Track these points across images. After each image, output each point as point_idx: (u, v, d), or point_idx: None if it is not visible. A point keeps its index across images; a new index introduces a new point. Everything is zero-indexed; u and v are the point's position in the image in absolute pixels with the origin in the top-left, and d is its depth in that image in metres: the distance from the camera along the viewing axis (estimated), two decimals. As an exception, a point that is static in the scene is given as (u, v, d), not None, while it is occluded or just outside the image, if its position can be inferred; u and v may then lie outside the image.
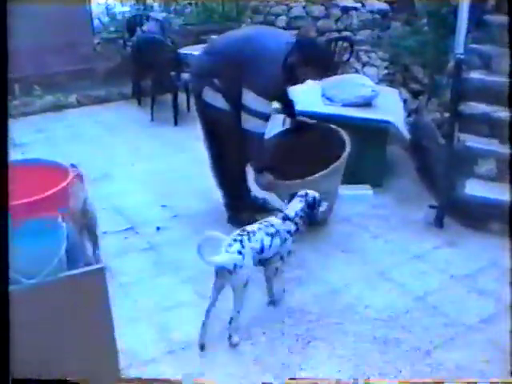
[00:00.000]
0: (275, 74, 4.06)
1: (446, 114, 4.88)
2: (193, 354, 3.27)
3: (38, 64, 7.83)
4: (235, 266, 3.18)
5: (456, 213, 4.71)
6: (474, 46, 5.79)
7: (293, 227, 3.57)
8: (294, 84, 4.44)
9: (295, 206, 3.63)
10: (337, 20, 8.55)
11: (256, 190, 4.74)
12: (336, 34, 8.14)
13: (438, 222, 4.67)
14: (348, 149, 4.34)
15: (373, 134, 4.99)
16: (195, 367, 3.16)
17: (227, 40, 4.48)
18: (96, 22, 9.54)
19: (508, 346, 3.31)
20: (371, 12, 8.43)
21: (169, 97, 7.56)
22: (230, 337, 3.34)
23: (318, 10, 8.65)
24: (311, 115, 4.80)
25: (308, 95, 5.43)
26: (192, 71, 4.79)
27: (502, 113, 5.20)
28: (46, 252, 2.29)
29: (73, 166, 3.29)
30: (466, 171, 4.90)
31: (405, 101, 6.39)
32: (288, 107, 4.75)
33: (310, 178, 4.14)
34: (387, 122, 5.10)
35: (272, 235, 3.45)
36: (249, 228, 3.42)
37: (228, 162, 4.55)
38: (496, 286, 3.94)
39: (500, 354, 3.29)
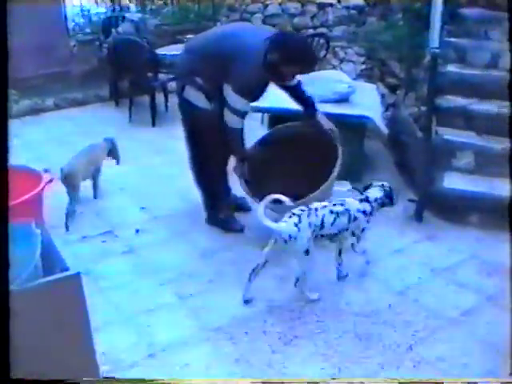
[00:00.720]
0: (255, 71, 4.00)
1: (424, 108, 4.90)
2: (174, 357, 3.24)
3: (13, 68, 7.68)
4: (290, 236, 3.49)
5: (435, 206, 4.73)
6: (450, 39, 5.83)
7: (368, 208, 3.85)
8: (280, 81, 4.35)
9: (376, 193, 3.93)
10: (313, 17, 8.57)
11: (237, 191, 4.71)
12: (312, 31, 8.17)
13: (418, 216, 4.69)
14: (340, 160, 4.21)
15: (351, 130, 4.97)
16: (177, 370, 3.13)
17: (207, 38, 4.42)
18: (71, 24, 9.46)
19: (490, 338, 3.35)
20: (347, 8, 8.44)
21: (146, 98, 7.52)
22: (302, 292, 3.69)
23: (293, 7, 8.66)
24: (288, 112, 4.77)
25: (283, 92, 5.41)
26: (174, 70, 4.80)
27: (478, 105, 5.24)
28: (20, 259, 2.25)
29: (46, 170, 3.26)
30: (444, 164, 4.92)
31: (382, 95, 6.41)
32: (305, 106, 4.46)
33: (300, 201, 3.97)
34: (365, 117, 5.11)
35: (337, 213, 3.71)
36: (313, 205, 3.70)
37: (208, 161, 4.50)
38: (476, 279, 3.97)
39: (481, 346, 3.33)
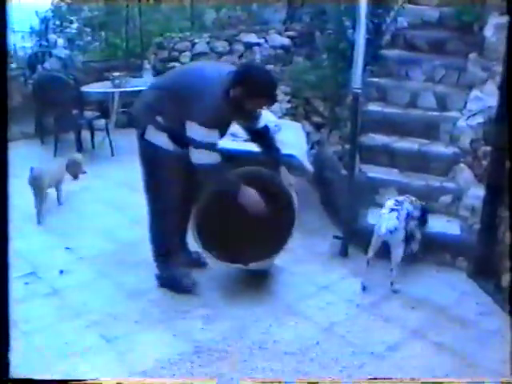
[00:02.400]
0: (217, 102, 3.84)
1: (347, 146, 5.00)
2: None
3: None
4: (395, 228, 4.15)
5: (360, 242, 4.80)
6: (372, 79, 6.02)
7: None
8: (245, 117, 4.20)
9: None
10: (240, 56, 8.66)
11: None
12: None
13: (343, 252, 4.76)
14: (293, 226, 4.12)
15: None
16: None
17: (168, 76, 4.39)
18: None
19: (414, 372, 3.40)
20: (274, 47, 8.59)
21: (72, 135, 7.42)
22: (391, 283, 4.24)
23: (221, 45, 8.73)
24: (238, 153, 4.77)
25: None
26: (133, 110, 4.37)
27: (399, 143, 5.40)
28: None
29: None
30: (368, 201, 5.04)
31: (307, 134, 6.51)
32: (268, 150, 4.37)
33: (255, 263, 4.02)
34: (290, 155, 5.16)
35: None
36: (399, 198, 4.43)
37: (170, 210, 4.18)
38: (400, 313, 4.04)
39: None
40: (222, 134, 4.09)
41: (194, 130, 3.85)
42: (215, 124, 3.89)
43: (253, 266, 4.08)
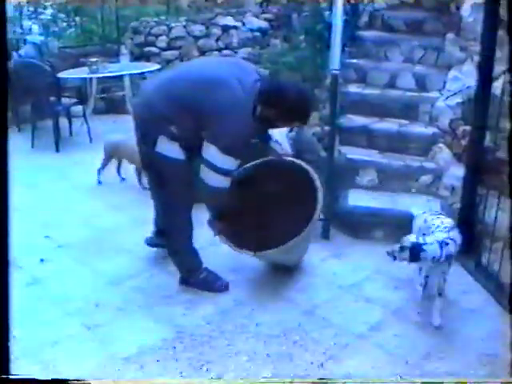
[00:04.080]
0: (243, 129, 3.53)
1: (327, 128, 4.99)
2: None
3: None
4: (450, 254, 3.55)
5: (341, 224, 4.83)
6: (350, 60, 6.00)
7: None
8: (263, 133, 4.00)
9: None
10: (217, 39, 8.62)
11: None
12: (216, 53, 8.22)
13: (325, 234, 4.77)
14: (320, 203, 3.96)
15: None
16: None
17: (184, 81, 3.72)
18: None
19: (398, 351, 3.43)
20: (251, 30, 8.56)
21: (50, 122, 7.34)
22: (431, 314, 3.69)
23: (198, 29, 8.69)
24: None
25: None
26: (139, 116, 3.88)
27: (379, 124, 5.40)
28: None
29: None
30: (348, 182, 5.04)
31: (287, 116, 6.48)
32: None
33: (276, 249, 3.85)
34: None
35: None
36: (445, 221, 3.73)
37: (182, 221, 3.97)
38: (382, 293, 4.06)
39: (389, 358, 3.39)
40: (244, 154, 3.85)
41: (212, 153, 3.59)
42: (237, 152, 3.63)
43: (264, 254, 3.96)
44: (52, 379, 2.06)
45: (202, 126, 3.59)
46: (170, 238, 4.11)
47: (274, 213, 4.06)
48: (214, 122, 3.53)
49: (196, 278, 4.07)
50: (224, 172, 3.64)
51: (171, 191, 3.84)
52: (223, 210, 3.90)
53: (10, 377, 1.84)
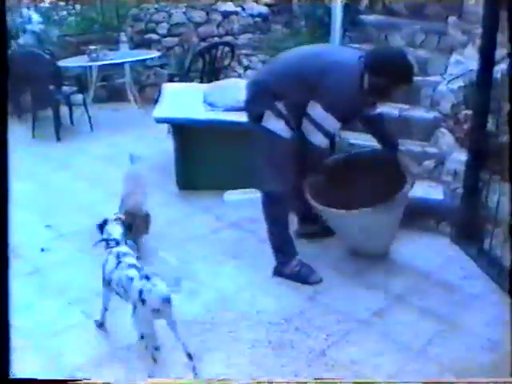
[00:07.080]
0: (350, 91, 3.70)
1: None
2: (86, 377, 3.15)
3: None
4: None
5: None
6: (351, 45, 5.94)
7: None
8: (371, 105, 4.06)
9: None
10: (218, 25, 8.58)
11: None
12: (217, 39, 8.18)
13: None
14: (409, 185, 4.00)
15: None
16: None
17: (291, 58, 4.03)
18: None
19: (400, 337, 3.42)
20: (252, 16, 8.51)
21: (50, 111, 7.31)
22: None
23: (198, 15, 8.63)
24: (192, 122, 4.71)
25: (189, 102, 5.39)
26: (248, 92, 4.05)
27: (380, 108, 5.33)
28: None
29: None
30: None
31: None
32: (386, 144, 4.23)
33: (364, 209, 3.90)
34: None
35: None
36: None
37: (284, 201, 4.06)
38: (384, 279, 4.04)
39: (393, 345, 3.39)
40: (349, 121, 4.14)
41: (317, 112, 3.76)
42: (342, 115, 3.80)
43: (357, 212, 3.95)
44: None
45: (308, 96, 3.77)
46: (270, 220, 4.13)
47: (367, 186, 4.16)
48: (320, 85, 3.71)
49: (291, 269, 4.06)
50: (323, 131, 3.81)
51: (277, 168, 3.94)
52: (321, 169, 4.05)
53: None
